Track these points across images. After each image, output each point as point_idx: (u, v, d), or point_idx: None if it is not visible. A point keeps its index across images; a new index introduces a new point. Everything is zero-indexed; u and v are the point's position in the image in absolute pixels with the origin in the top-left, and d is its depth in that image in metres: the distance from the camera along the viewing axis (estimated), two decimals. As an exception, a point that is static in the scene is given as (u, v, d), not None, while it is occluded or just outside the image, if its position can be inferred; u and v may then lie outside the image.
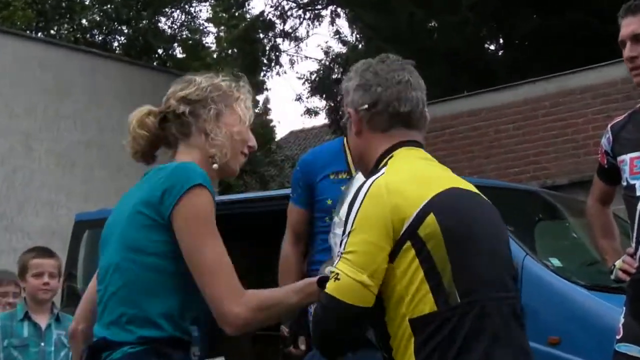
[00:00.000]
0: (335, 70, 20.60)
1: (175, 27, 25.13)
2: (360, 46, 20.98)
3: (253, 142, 3.34)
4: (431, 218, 2.73)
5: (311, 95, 21.28)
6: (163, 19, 24.70)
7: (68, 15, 22.73)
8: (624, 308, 4.07)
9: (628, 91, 10.64)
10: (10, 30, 17.87)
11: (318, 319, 2.86)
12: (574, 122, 12.35)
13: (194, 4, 25.51)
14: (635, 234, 4.02)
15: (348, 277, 2.73)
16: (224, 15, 24.29)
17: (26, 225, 15.66)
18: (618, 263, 4.03)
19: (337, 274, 2.75)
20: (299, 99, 21.90)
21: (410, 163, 2.94)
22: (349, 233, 2.79)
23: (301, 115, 32.89)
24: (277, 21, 20.97)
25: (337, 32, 21.62)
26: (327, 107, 20.88)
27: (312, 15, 21.13)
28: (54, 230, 14.70)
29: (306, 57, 23.38)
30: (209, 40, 38.08)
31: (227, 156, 3.17)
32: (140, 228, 2.91)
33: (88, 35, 23.53)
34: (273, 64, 21.70)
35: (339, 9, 20.92)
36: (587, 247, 6.44)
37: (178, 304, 2.94)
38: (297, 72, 54.28)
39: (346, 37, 21.52)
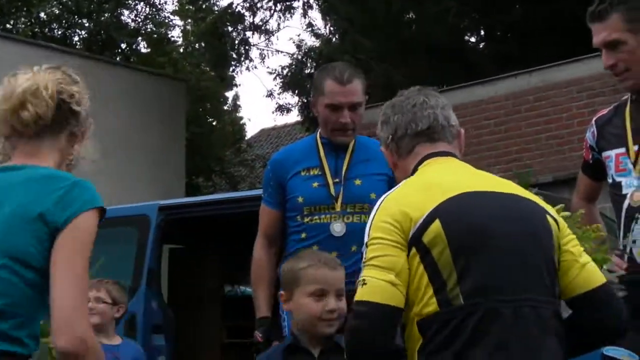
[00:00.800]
0: (308, 64, 20.59)
1: (139, 20, 25.03)
2: (334, 39, 20.99)
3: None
4: (436, 224, 2.94)
5: (283, 91, 21.23)
6: (126, 12, 24.61)
7: (25, 9, 22.57)
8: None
9: (614, 84, 10.68)
10: (-37, 24, 17.80)
11: (352, 328, 2.97)
12: (558, 117, 12.42)
13: (158, -4, 25.47)
14: (622, 233, 4.06)
15: (375, 279, 2.93)
16: (191, 7, 24.25)
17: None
18: (606, 265, 4.06)
19: (364, 280, 2.97)
20: (270, 95, 21.81)
21: (426, 173, 3.21)
22: (367, 244, 3.03)
23: (273, 112, 32.68)
24: (247, 13, 20.91)
25: (310, 25, 21.59)
26: (299, 104, 20.86)
27: (283, 7, 21.08)
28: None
29: (277, 51, 23.35)
30: (175, 34, 38.05)
31: (73, 165, 3.24)
32: (23, 234, 2.86)
33: (47, 30, 23.39)
34: (242, 59, 21.64)
35: (311, 0, 20.92)
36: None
37: (39, 323, 2.96)
38: (268, 67, 54.36)
39: (319, 29, 21.52)
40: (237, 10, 20.77)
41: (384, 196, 3.16)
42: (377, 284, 2.93)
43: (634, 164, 4.03)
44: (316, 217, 4.85)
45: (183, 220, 7.89)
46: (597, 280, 3.13)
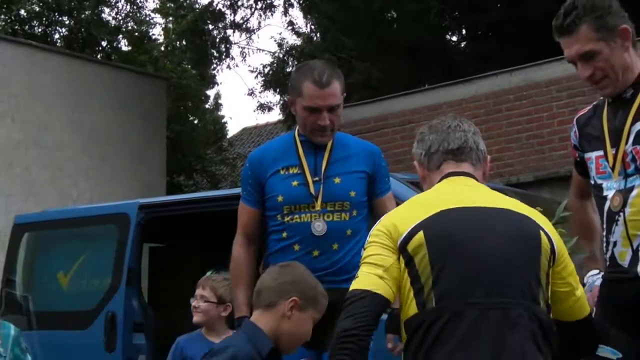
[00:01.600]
0: (290, 63, 20.56)
1: (120, 18, 24.94)
2: (315, 38, 20.97)
3: None
4: (419, 235, 3.31)
5: (264, 90, 21.18)
6: (107, 10, 24.50)
7: (5, 6, 22.49)
8: (594, 309, 4.14)
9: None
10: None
11: (343, 314, 3.31)
12: (538, 116, 12.46)
13: (139, -6, 25.39)
14: (605, 232, 4.10)
15: (366, 273, 3.33)
16: (172, 5, 24.20)
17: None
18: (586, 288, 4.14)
19: (357, 274, 3.36)
20: (251, 93, 21.75)
21: (435, 190, 3.59)
22: (364, 247, 3.45)
23: (254, 111, 32.80)
24: (227, 11, 20.87)
25: (291, 23, 21.54)
26: (281, 102, 20.83)
27: (263, 6, 21.05)
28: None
29: (259, 50, 23.25)
30: (156, 32, 37.99)
31: None
32: None
33: (27, 27, 23.30)
34: (223, 57, 21.58)
35: (292, -1, 20.92)
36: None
37: None
38: (249, 65, 54.17)
39: (300, 28, 21.49)
40: (217, 8, 20.73)
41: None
42: (367, 277, 3.30)
43: (612, 168, 4.06)
44: (296, 216, 4.85)
45: (163, 219, 7.87)
46: (586, 311, 3.64)
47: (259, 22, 27.49)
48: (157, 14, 26.52)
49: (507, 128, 12.48)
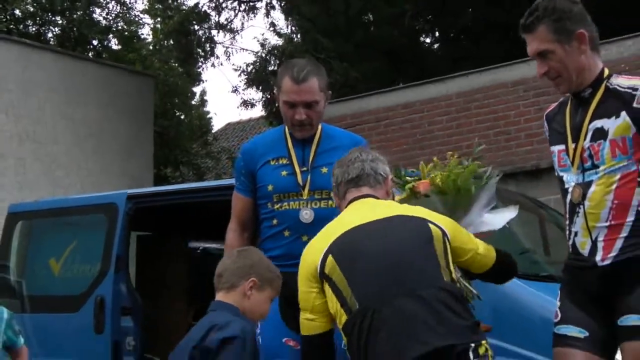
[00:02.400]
0: (272, 62, 20.54)
1: (110, 18, 24.88)
2: (296, 38, 20.97)
3: None
4: (330, 258, 3.79)
5: (247, 87, 21.13)
6: (98, 10, 24.45)
7: (0, 6, 22.39)
8: (559, 293, 4.23)
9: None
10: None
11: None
12: (506, 114, 12.49)
13: (129, -5, 25.32)
14: (567, 222, 4.16)
15: (302, 319, 3.91)
16: (160, 6, 24.14)
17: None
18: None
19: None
20: (235, 90, 21.67)
21: (340, 217, 4.05)
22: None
23: (238, 107, 32.72)
24: (212, 13, 20.86)
25: (273, 24, 21.56)
26: (263, 99, 20.82)
27: (247, 7, 21.06)
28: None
29: (242, 49, 23.23)
30: (145, 32, 37.88)
31: None
32: None
33: (21, 26, 23.20)
34: (208, 56, 21.56)
35: (274, 1, 20.90)
36: (518, 237, 6.54)
37: None
38: (233, 64, 54.08)
39: (282, 29, 21.48)
40: (203, 9, 20.72)
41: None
42: (303, 323, 3.92)
43: (572, 162, 4.12)
44: (285, 203, 4.89)
45: (151, 209, 7.86)
46: (492, 260, 4.18)
47: (242, 23, 27.54)
48: (145, 15, 26.51)
49: (476, 125, 12.51)
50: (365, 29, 19.45)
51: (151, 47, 25.94)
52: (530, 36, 4.11)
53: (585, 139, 4.07)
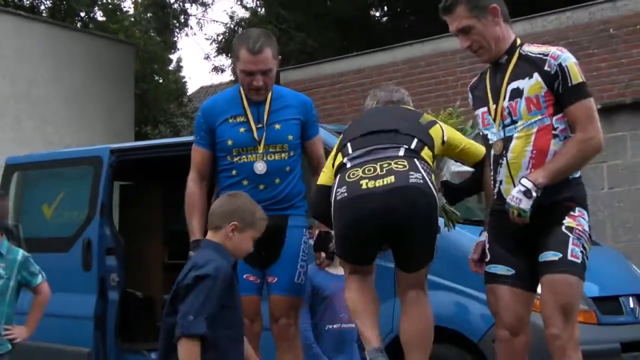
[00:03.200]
0: (239, 32, 20.39)
1: (96, -8, 24.55)
2: (260, 11, 20.84)
3: None
4: (342, 136, 4.66)
5: (218, 55, 21.03)
6: (84, -15, 24.08)
7: (-4, -20, 22.03)
8: (487, 235, 4.29)
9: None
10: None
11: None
12: (445, 79, 12.53)
13: (112, -28, 24.96)
14: (492, 173, 4.25)
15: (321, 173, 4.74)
16: (140, -18, 23.84)
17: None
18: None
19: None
20: (207, 57, 21.58)
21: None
22: None
23: (209, 72, 32.66)
24: (186, -13, 20.69)
25: (240, -1, 21.39)
26: (232, 65, 20.69)
27: (218, -17, 20.84)
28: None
29: (213, 21, 23.05)
30: (127, 5, 37.38)
31: None
32: None
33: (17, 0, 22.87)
34: (182, 27, 21.41)
35: (242, -23, 20.72)
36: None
37: None
38: (205, 34, 53.46)
39: (248, 3, 21.33)
40: (177, -15, 20.53)
41: None
42: (321, 174, 4.65)
43: (494, 120, 4.21)
44: (243, 157, 4.93)
45: (131, 161, 7.84)
46: (480, 154, 4.52)
47: (212, -2, 27.16)
48: (127, -11, 26.10)
49: (419, 89, 12.51)
50: (322, 3, 19.36)
51: (132, 19, 25.66)
52: (451, 16, 4.22)
53: (504, 99, 4.16)
